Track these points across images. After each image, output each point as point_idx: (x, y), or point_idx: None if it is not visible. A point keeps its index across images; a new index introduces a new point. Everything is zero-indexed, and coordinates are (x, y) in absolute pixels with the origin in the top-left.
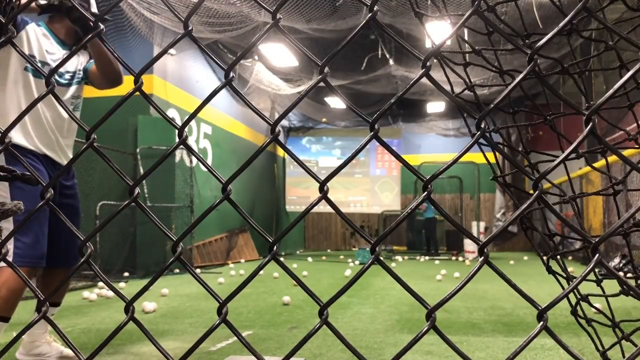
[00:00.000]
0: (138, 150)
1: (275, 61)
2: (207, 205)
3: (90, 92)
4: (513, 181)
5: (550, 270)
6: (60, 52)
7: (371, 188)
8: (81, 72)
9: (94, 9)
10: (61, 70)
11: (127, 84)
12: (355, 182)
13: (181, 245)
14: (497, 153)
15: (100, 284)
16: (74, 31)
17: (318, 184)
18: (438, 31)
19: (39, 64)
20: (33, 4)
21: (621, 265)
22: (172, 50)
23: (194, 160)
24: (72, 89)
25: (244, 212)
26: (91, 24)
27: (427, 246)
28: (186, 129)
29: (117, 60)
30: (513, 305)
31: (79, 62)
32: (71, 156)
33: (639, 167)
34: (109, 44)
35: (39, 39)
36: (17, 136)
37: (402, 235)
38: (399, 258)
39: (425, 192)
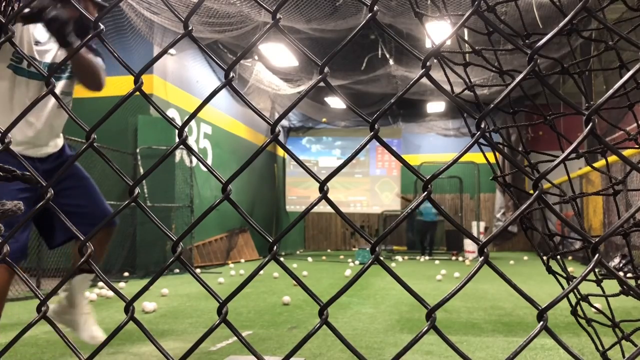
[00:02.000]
0: (138, 150)
1: (275, 61)
2: (207, 205)
3: (90, 92)
4: (513, 181)
5: (550, 270)
6: (49, 42)
7: (371, 188)
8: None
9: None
10: (46, 62)
11: (127, 84)
12: (355, 182)
13: (181, 245)
14: (497, 153)
15: (100, 284)
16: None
17: (318, 184)
18: (438, 31)
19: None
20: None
21: (621, 265)
22: (172, 50)
23: (194, 160)
24: (60, 83)
25: (244, 212)
26: (72, 40)
27: (428, 248)
28: (186, 129)
29: (118, 61)
30: (513, 305)
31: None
32: (57, 141)
33: (639, 167)
34: (109, 44)
35: (28, 28)
36: None
37: (402, 235)
38: (399, 258)
39: (425, 192)
